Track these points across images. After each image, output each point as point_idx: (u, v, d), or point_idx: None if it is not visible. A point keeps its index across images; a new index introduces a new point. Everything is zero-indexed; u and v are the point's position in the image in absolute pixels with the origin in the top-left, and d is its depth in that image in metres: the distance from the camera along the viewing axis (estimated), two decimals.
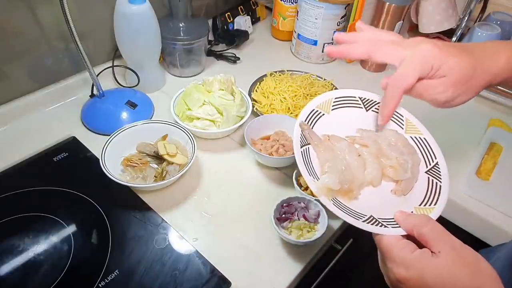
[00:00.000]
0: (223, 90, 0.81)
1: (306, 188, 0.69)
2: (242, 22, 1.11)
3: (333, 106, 0.51)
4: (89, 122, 0.81)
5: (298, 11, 1.02)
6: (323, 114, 0.50)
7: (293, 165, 0.75)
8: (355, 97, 0.52)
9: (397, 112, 0.51)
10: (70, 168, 0.72)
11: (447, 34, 1.08)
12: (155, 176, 0.69)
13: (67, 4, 0.66)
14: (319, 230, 0.63)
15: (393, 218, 0.42)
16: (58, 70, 0.84)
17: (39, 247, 0.59)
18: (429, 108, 0.94)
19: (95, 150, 0.75)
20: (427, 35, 1.10)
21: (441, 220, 0.78)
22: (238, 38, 1.06)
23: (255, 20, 1.19)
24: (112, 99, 0.83)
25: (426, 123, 0.90)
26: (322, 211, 0.64)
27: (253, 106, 0.83)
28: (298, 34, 1.05)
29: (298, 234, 0.62)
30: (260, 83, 0.91)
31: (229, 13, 1.10)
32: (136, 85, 0.87)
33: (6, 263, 0.57)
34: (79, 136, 0.78)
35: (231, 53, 1.04)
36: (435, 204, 0.45)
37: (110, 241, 0.61)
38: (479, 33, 0.91)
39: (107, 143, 0.69)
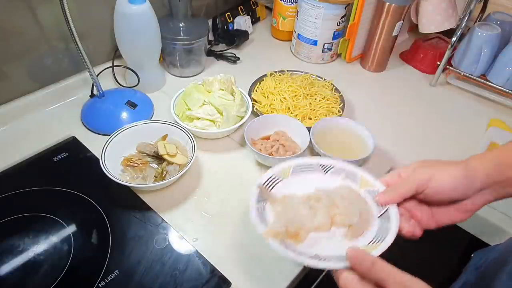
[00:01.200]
0: (223, 90, 0.81)
1: None
2: (242, 22, 1.11)
3: (292, 172, 0.56)
4: (89, 122, 0.81)
5: (298, 11, 1.02)
6: (282, 179, 0.55)
7: None
8: (312, 164, 0.56)
9: (353, 171, 0.55)
10: (70, 168, 0.72)
11: (447, 34, 1.09)
12: (155, 176, 0.69)
13: (67, 4, 0.66)
14: None
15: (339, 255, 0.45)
16: (58, 70, 0.84)
17: (39, 247, 0.59)
18: (429, 108, 0.94)
19: (95, 150, 0.75)
20: (427, 35, 1.10)
21: None
22: (238, 38, 1.06)
23: (255, 20, 1.19)
24: (112, 99, 0.83)
25: (426, 123, 0.90)
26: None
27: (253, 106, 0.83)
28: (298, 34, 1.05)
29: None
30: (260, 83, 0.91)
31: (229, 13, 1.10)
32: (136, 85, 0.87)
33: (6, 263, 0.57)
34: (79, 136, 0.78)
35: (231, 53, 1.04)
36: (381, 242, 0.46)
37: (110, 241, 0.61)
38: (479, 33, 0.91)
39: (107, 143, 0.69)
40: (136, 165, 0.70)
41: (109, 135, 0.71)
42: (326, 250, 0.46)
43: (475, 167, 0.45)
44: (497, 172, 0.45)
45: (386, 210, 0.49)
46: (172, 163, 0.70)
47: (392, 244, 0.46)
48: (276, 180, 0.55)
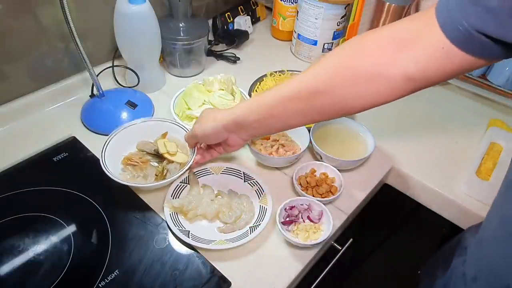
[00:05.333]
0: (223, 90, 0.81)
1: (306, 188, 0.70)
2: (242, 22, 1.11)
3: (222, 171, 0.72)
4: (89, 122, 0.81)
5: (298, 11, 1.02)
6: (212, 174, 0.72)
7: (293, 165, 0.75)
8: (240, 170, 0.72)
9: (263, 190, 0.69)
10: (70, 168, 0.72)
11: None
12: (155, 175, 0.69)
13: (67, 4, 0.66)
14: (324, 230, 0.63)
15: (206, 239, 0.62)
16: (58, 70, 0.84)
17: (39, 247, 0.59)
18: (429, 108, 0.94)
19: (95, 150, 0.75)
20: None
21: (441, 219, 0.78)
22: (238, 38, 1.06)
23: (255, 20, 1.19)
24: (112, 99, 0.83)
25: (426, 123, 0.90)
26: (325, 211, 0.64)
27: None
28: (298, 34, 1.05)
29: (305, 236, 0.63)
30: (260, 83, 0.91)
31: (229, 13, 1.10)
32: (136, 85, 0.87)
33: (6, 263, 0.57)
34: (79, 136, 0.78)
35: (231, 53, 1.04)
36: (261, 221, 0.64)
37: (110, 241, 0.61)
38: None
39: (107, 142, 0.69)
40: (137, 163, 0.69)
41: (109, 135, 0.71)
42: (199, 232, 0.63)
43: (220, 119, 0.59)
44: (232, 124, 0.58)
45: (264, 194, 0.68)
46: (173, 161, 0.70)
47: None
48: (208, 173, 0.72)
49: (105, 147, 0.68)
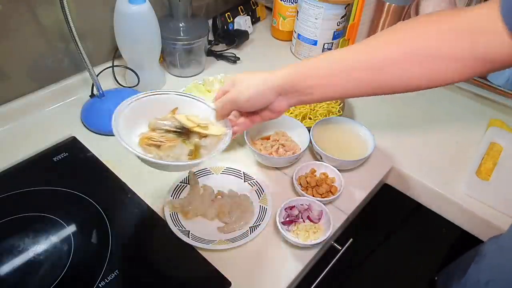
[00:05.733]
0: None
1: (306, 188, 0.69)
2: (242, 22, 1.11)
3: (222, 171, 0.73)
4: (89, 122, 0.81)
5: (298, 11, 1.02)
6: (213, 174, 0.72)
7: (293, 165, 0.75)
8: (240, 170, 0.72)
9: (262, 189, 0.70)
10: (70, 168, 0.72)
11: None
12: (188, 155, 0.56)
13: (67, 4, 0.66)
14: (324, 230, 0.63)
15: (206, 239, 0.62)
16: (58, 70, 0.84)
17: (39, 247, 0.59)
18: (429, 108, 0.94)
19: (95, 150, 0.75)
20: None
21: (441, 219, 0.78)
22: (238, 38, 1.06)
23: (255, 20, 1.19)
24: (112, 99, 0.83)
25: (427, 123, 0.90)
26: (325, 211, 0.64)
27: None
28: (298, 34, 1.05)
29: (305, 236, 0.63)
30: None
31: (229, 13, 1.10)
32: (136, 85, 0.87)
33: (6, 263, 0.57)
34: (79, 136, 0.78)
35: (231, 53, 1.04)
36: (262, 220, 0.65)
37: (110, 241, 0.61)
38: None
39: (116, 122, 0.55)
40: (162, 143, 0.56)
41: (111, 129, 0.54)
42: (199, 232, 0.63)
43: (271, 79, 0.53)
44: (286, 86, 0.53)
45: (264, 194, 0.69)
46: (206, 135, 0.57)
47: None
48: (208, 173, 0.72)
49: (116, 128, 0.54)
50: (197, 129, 0.57)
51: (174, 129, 0.58)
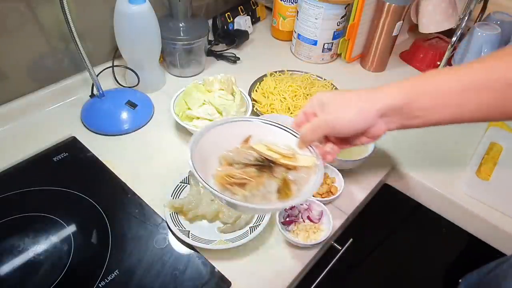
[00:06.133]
0: (223, 90, 0.81)
1: None
2: (242, 22, 1.11)
3: None
4: (89, 122, 0.81)
5: (298, 11, 1.02)
6: None
7: None
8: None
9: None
10: (70, 168, 0.72)
11: (447, 34, 1.09)
12: (277, 192, 0.49)
13: (67, 4, 0.66)
14: (324, 230, 0.63)
15: (206, 239, 0.62)
16: (58, 70, 0.84)
17: (39, 247, 0.59)
18: None
19: (95, 150, 0.75)
20: (427, 35, 1.10)
21: (441, 219, 0.78)
22: (238, 38, 1.06)
23: (255, 20, 1.19)
24: (112, 99, 0.83)
25: None
26: (325, 211, 0.64)
27: (253, 106, 0.83)
28: (298, 34, 1.05)
29: (305, 236, 0.63)
30: (260, 83, 0.91)
31: (229, 13, 1.10)
32: (136, 85, 0.87)
33: (6, 263, 0.57)
34: (79, 136, 0.78)
35: (231, 53, 1.04)
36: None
37: (110, 241, 0.61)
38: (479, 33, 0.91)
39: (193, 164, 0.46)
40: (248, 181, 0.49)
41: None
42: (199, 232, 0.63)
43: (373, 101, 0.46)
44: (390, 109, 0.46)
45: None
46: (295, 167, 0.50)
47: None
48: None
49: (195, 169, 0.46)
50: (282, 161, 0.49)
51: (253, 162, 0.50)
